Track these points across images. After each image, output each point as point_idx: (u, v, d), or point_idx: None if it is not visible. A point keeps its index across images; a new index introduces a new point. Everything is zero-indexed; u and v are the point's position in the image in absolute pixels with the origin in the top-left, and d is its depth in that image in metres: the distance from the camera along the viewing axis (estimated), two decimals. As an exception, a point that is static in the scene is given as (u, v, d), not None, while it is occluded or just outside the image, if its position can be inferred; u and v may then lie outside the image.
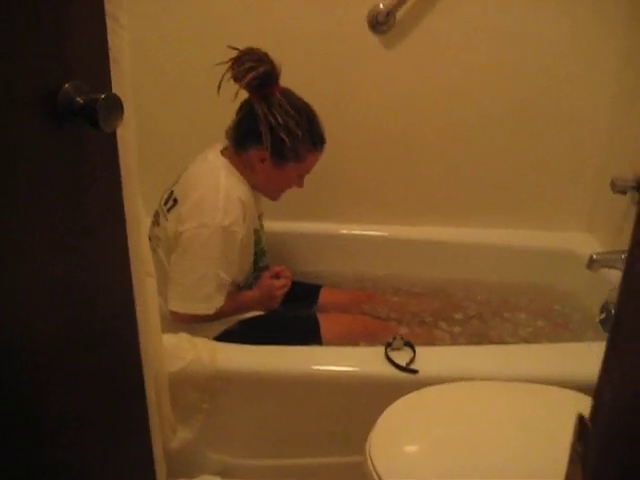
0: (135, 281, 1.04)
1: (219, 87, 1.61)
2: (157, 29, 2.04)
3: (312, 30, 2.02)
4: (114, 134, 0.86)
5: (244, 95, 1.68)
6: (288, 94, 1.69)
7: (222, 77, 1.61)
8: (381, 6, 1.95)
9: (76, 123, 0.74)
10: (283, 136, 1.65)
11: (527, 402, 1.26)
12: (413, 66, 2.05)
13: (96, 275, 0.89)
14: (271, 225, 1.98)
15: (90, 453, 0.94)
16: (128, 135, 0.96)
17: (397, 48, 2.03)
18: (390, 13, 1.95)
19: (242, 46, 1.62)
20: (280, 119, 1.64)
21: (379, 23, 1.98)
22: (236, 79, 1.62)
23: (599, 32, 1.97)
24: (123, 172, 0.92)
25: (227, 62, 1.61)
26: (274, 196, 1.84)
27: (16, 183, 0.70)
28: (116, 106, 0.76)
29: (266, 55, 1.63)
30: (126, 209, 0.97)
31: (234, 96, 1.64)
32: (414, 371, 1.43)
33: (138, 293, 1.07)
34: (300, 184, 1.82)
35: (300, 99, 1.72)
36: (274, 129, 1.65)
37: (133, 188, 1.03)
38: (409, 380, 1.43)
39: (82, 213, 0.83)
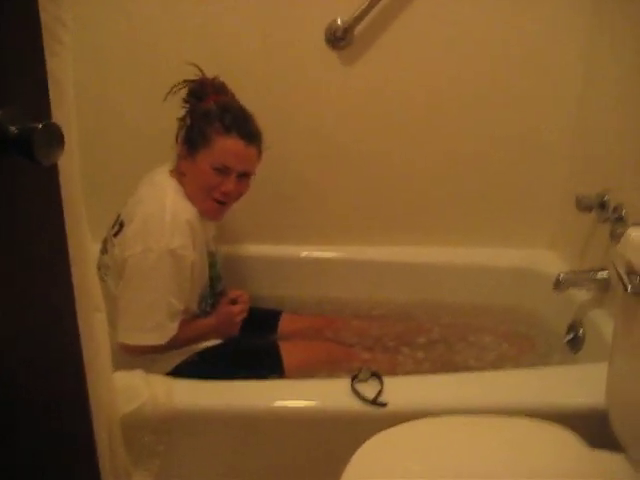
0: (81, 319, 0.97)
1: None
2: (102, 44, 1.93)
3: (270, 46, 1.95)
4: (55, 165, 0.78)
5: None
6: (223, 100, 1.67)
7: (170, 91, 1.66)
8: (339, 22, 1.90)
9: (10, 155, 0.66)
10: (194, 122, 1.64)
11: (501, 437, 1.21)
12: (373, 83, 2.00)
13: (37, 314, 0.81)
14: (228, 249, 1.90)
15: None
16: (71, 165, 0.88)
17: (357, 63, 1.97)
18: (348, 29, 1.90)
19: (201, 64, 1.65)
20: (196, 109, 1.65)
21: (337, 39, 1.93)
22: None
23: (559, 47, 1.95)
24: (66, 205, 0.84)
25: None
26: (209, 208, 1.65)
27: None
28: (56, 137, 0.68)
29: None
30: (70, 243, 0.90)
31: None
32: (382, 404, 1.37)
33: (85, 331, 1.00)
34: (224, 183, 1.61)
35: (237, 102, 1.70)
36: (189, 118, 1.66)
37: (78, 221, 0.95)
38: (377, 413, 1.36)
39: (20, 250, 0.74)
